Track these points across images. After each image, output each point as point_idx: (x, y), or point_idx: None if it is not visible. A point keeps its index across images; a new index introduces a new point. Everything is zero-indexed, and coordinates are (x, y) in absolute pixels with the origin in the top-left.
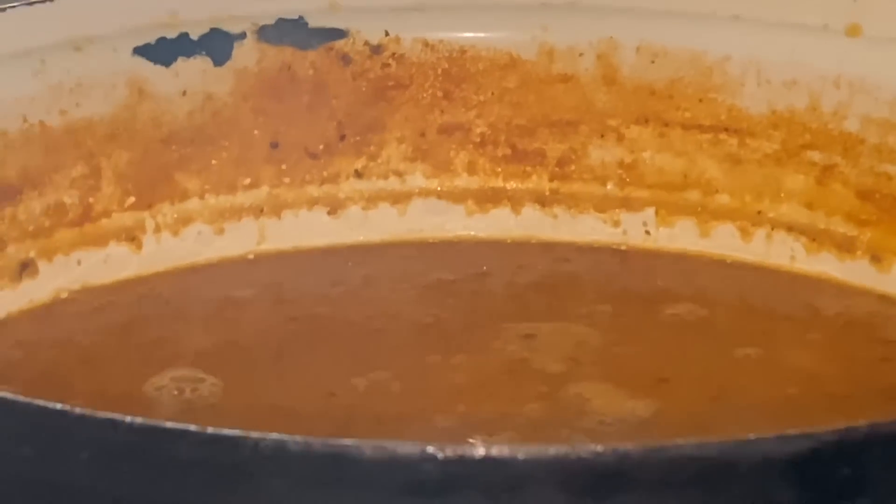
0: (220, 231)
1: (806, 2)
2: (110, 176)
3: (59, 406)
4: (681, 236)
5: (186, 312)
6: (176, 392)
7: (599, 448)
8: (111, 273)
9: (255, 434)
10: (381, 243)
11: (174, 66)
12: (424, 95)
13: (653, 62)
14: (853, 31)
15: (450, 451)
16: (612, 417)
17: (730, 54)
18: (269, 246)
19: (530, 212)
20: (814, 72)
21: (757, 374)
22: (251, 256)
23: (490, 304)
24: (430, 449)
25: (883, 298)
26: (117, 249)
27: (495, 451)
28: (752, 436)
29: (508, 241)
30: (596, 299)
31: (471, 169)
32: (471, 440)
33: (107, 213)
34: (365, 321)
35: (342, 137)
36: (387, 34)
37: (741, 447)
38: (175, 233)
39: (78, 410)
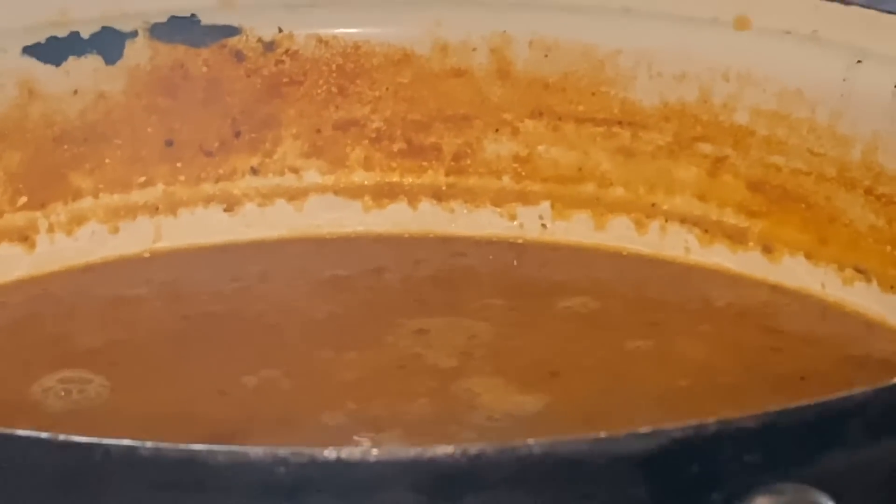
0: (115, 230)
1: None
2: (1, 176)
3: None
4: (576, 229)
5: (79, 312)
6: (63, 393)
7: (450, 449)
8: (3, 274)
9: (105, 440)
10: (278, 240)
11: (65, 65)
12: (319, 91)
13: (546, 56)
14: (741, 23)
15: (302, 455)
16: (501, 413)
17: (621, 48)
18: (165, 244)
19: (427, 206)
20: (704, 64)
21: (648, 366)
22: (147, 255)
23: (385, 300)
24: (282, 453)
25: (774, 288)
26: (9, 250)
27: (346, 453)
28: (602, 434)
29: (405, 236)
30: (491, 293)
31: (367, 164)
32: (356, 437)
33: None
34: (259, 318)
35: (237, 134)
36: (280, 30)
37: (591, 446)
38: (69, 232)
39: None
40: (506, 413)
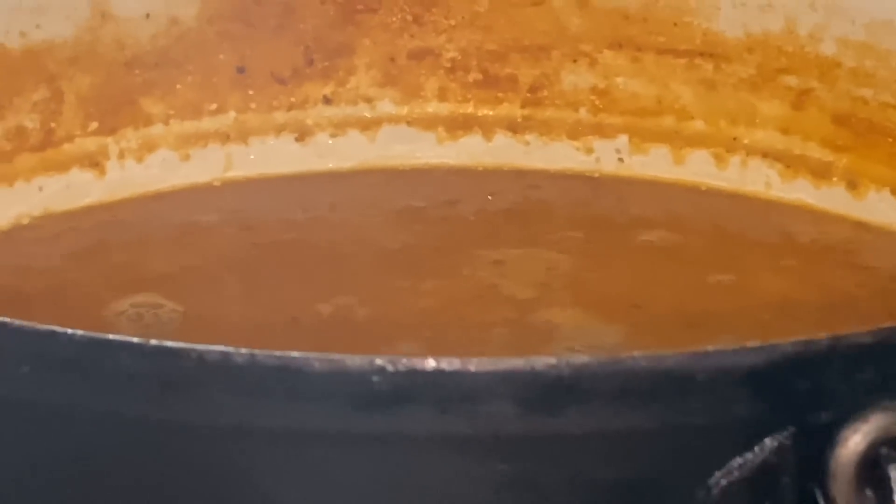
0: (186, 157)
1: None
2: (72, 100)
3: None
4: (654, 163)
5: (150, 239)
6: (135, 317)
7: (553, 360)
8: (74, 199)
9: (199, 346)
10: (350, 171)
11: None
12: (394, 20)
13: None
14: None
15: (400, 364)
16: (581, 343)
17: None
18: (236, 173)
19: (502, 139)
20: None
21: (731, 301)
22: (217, 184)
23: (460, 231)
24: (380, 361)
25: (858, 225)
26: (80, 175)
27: (446, 363)
28: (709, 348)
29: (479, 168)
30: (567, 226)
31: (441, 95)
32: None
33: (69, 138)
34: (331, 247)
35: (310, 62)
36: None
37: (698, 359)
38: (139, 159)
39: (17, 323)
40: (586, 344)
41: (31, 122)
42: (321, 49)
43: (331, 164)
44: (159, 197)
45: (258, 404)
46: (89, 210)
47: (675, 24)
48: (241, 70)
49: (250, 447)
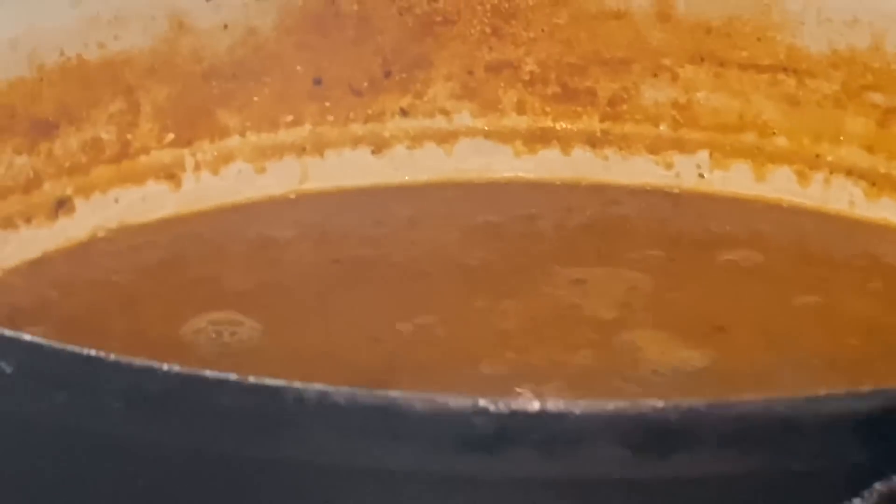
0: (262, 170)
1: None
2: (149, 111)
3: (93, 353)
4: (735, 179)
5: (226, 253)
6: (214, 335)
7: (660, 403)
8: (149, 212)
9: (298, 384)
10: (427, 184)
11: None
12: (472, 32)
13: None
14: None
15: (503, 405)
16: (666, 367)
17: None
18: (312, 185)
19: (580, 153)
20: (876, 10)
21: (817, 324)
22: (293, 196)
23: (539, 248)
24: (483, 402)
25: None
26: (156, 187)
27: (551, 405)
28: (821, 393)
29: (557, 182)
30: (648, 244)
31: (519, 108)
32: (519, 389)
33: (145, 150)
34: (410, 263)
35: (387, 74)
36: None
37: (809, 405)
38: (215, 171)
39: (113, 357)
40: (671, 368)
41: (107, 134)
42: (398, 61)
43: (407, 177)
44: (235, 209)
45: (357, 443)
46: (165, 222)
47: (759, 39)
48: (317, 82)
49: (349, 486)
